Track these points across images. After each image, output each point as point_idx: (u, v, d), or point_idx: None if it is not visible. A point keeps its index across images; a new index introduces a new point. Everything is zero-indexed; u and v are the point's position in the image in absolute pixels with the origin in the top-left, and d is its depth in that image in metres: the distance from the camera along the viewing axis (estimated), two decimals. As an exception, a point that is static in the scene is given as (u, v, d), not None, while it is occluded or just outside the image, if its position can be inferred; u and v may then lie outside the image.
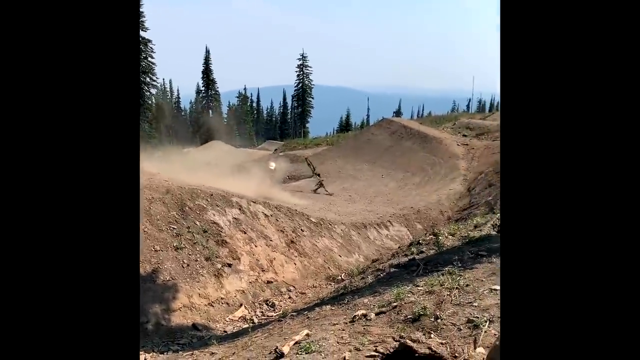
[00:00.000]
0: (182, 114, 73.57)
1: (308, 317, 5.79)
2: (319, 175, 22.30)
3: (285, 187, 21.78)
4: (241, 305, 9.23)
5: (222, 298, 9.13)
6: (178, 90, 73.93)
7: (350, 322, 4.77)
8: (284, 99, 78.54)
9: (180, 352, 6.16)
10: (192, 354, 5.51)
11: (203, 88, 67.52)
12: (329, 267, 11.90)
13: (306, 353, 3.99)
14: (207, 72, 66.64)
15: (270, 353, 4.29)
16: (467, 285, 4.90)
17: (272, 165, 25.96)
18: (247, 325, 7.90)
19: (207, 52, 66.26)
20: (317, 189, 21.52)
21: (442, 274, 5.62)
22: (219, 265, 9.59)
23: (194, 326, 8.14)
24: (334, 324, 4.82)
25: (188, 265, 9.12)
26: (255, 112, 78.82)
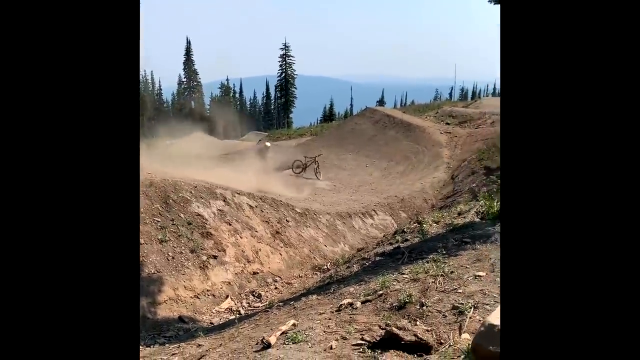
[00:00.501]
0: (164, 105, 72.86)
1: (294, 307, 5.80)
2: (316, 160, 22.61)
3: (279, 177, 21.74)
4: (227, 296, 9.22)
5: (208, 290, 9.11)
6: (159, 81, 73.14)
7: (336, 311, 4.79)
8: (267, 89, 78.08)
9: (167, 345, 6.14)
10: (179, 346, 5.50)
11: (185, 79, 66.95)
12: (314, 257, 11.92)
13: (293, 343, 4.01)
14: (188, 63, 66.10)
15: (257, 344, 4.29)
16: (451, 272, 4.94)
17: (268, 144, 26.05)
18: (233, 317, 7.90)
19: (188, 42, 65.72)
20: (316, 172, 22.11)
21: (427, 262, 5.66)
22: (204, 257, 9.56)
23: (180, 318, 8.12)
24: (321, 314, 4.84)
25: (173, 257, 9.08)
26: (238, 103, 78.29)
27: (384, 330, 3.73)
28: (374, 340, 3.72)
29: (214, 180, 12.77)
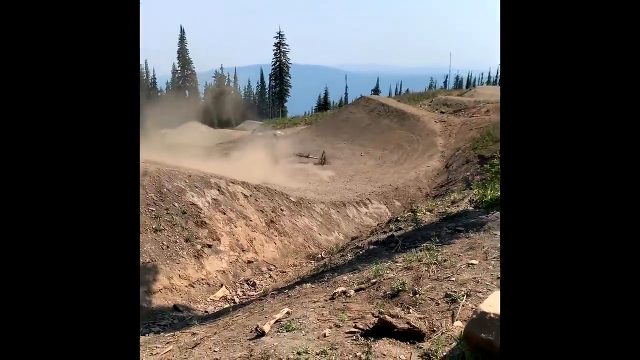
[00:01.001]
0: (158, 94, 72.45)
1: (289, 296, 5.82)
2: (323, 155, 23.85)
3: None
4: (222, 285, 9.25)
5: (202, 279, 9.13)
6: (154, 70, 72.76)
7: (330, 299, 4.81)
8: (262, 78, 77.80)
9: (162, 334, 6.16)
10: (174, 335, 5.52)
11: (179, 68, 66.66)
12: (309, 246, 11.96)
13: (287, 331, 4.03)
14: (182, 52, 65.80)
15: (251, 332, 4.31)
16: (444, 261, 4.96)
17: (279, 133, 26.32)
18: (228, 305, 7.92)
19: (182, 31, 65.39)
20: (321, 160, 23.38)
21: (420, 250, 5.68)
22: (199, 246, 9.57)
23: (175, 307, 8.14)
24: (314, 302, 4.86)
25: (168, 247, 9.08)
26: (232, 91, 77.86)
27: (377, 318, 3.75)
28: (367, 328, 3.74)
29: (223, 173, 12.84)
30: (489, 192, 8.15)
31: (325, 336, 3.78)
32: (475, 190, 9.43)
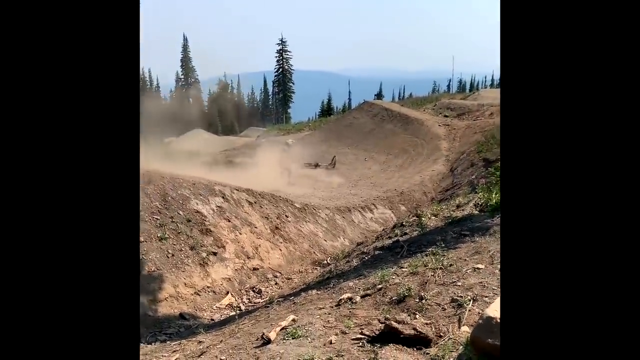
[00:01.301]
0: (162, 102, 72.63)
1: (294, 303, 5.81)
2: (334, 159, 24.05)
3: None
4: (227, 293, 9.24)
5: (208, 286, 9.12)
6: (157, 79, 73.08)
7: (336, 305, 4.79)
8: (265, 85, 77.95)
9: (168, 342, 6.15)
10: (180, 343, 5.51)
11: (182, 76, 66.98)
12: (314, 252, 11.94)
13: (293, 338, 4.01)
14: (185, 60, 66.13)
15: (257, 339, 4.30)
16: (450, 265, 4.94)
17: (289, 141, 26.50)
18: (234, 313, 7.90)
19: (185, 39, 65.79)
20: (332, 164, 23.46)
21: (426, 255, 5.66)
22: (204, 254, 9.57)
23: (181, 315, 8.13)
24: (320, 309, 4.84)
25: (173, 255, 9.08)
26: (236, 98, 78.04)
27: (383, 324, 3.73)
28: (374, 334, 3.72)
29: (235, 182, 12.94)
30: (494, 195, 8.12)
31: (331, 343, 3.76)
32: (481, 194, 9.40)
